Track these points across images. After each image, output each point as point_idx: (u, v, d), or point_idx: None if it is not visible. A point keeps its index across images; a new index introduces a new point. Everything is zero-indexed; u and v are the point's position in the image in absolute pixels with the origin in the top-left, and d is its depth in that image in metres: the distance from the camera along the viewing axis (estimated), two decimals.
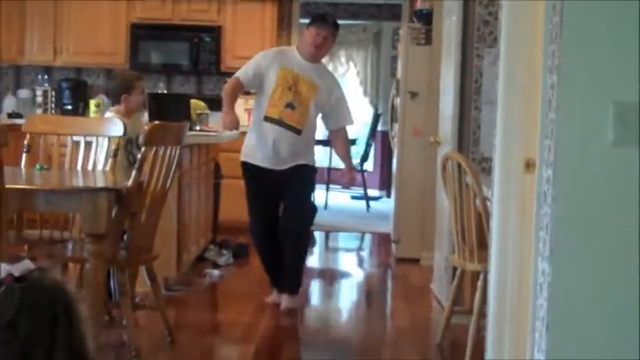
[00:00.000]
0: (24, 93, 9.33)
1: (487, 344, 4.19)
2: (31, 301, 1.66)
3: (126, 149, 5.30)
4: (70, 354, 1.67)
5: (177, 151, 4.74)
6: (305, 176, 5.89)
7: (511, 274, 3.94)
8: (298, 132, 5.77)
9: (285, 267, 5.87)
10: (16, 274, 1.68)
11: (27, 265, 1.70)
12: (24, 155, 5.13)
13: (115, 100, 5.50)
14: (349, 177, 6.22)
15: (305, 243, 6.09)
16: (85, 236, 4.35)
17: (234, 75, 5.86)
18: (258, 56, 5.95)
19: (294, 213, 5.81)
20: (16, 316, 1.64)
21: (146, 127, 4.69)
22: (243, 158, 5.91)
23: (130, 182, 4.41)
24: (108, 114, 5.60)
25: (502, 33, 3.99)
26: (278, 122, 5.74)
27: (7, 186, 3.91)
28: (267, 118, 5.76)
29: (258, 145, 5.79)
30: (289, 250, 5.82)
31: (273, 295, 6.01)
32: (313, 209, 7.30)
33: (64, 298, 1.70)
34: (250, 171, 5.87)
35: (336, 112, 5.95)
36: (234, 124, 5.69)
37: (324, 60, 6.43)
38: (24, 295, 1.66)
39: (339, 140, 6.10)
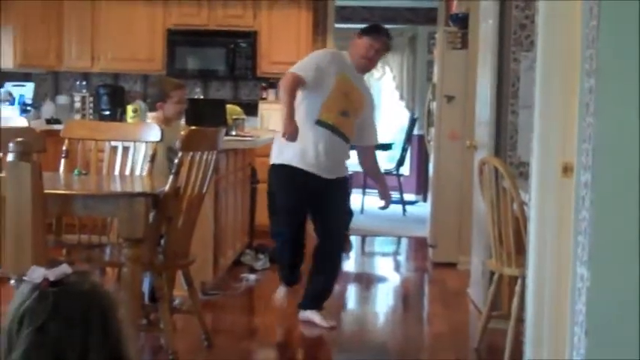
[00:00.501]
0: (62, 99, 9.42)
1: (525, 349, 4.17)
2: (64, 306, 1.67)
3: (167, 157, 5.28)
4: (106, 358, 1.68)
5: (214, 156, 4.76)
6: (345, 188, 5.82)
7: (549, 278, 3.91)
8: (347, 140, 5.57)
9: (318, 283, 5.68)
10: (52, 278, 1.68)
11: (64, 269, 1.71)
12: (62, 160, 5.17)
13: (151, 106, 5.51)
14: (387, 199, 5.91)
15: (340, 259, 5.96)
16: (123, 241, 4.37)
17: (290, 71, 5.39)
18: (315, 54, 5.73)
19: (335, 225, 5.66)
20: (48, 320, 1.65)
21: (182, 133, 4.71)
22: (284, 161, 5.51)
23: (167, 187, 4.43)
24: (147, 120, 5.62)
25: (539, 37, 3.96)
26: (331, 128, 5.47)
27: (46, 191, 3.94)
28: (320, 122, 5.45)
29: (307, 149, 5.44)
30: (327, 262, 5.63)
31: (281, 293, 5.86)
32: (349, 214, 7.31)
33: (100, 302, 1.71)
34: (292, 174, 5.49)
35: (367, 128, 5.75)
36: (297, 135, 5.28)
37: None
38: (57, 300, 1.66)
39: (368, 160, 5.91)
